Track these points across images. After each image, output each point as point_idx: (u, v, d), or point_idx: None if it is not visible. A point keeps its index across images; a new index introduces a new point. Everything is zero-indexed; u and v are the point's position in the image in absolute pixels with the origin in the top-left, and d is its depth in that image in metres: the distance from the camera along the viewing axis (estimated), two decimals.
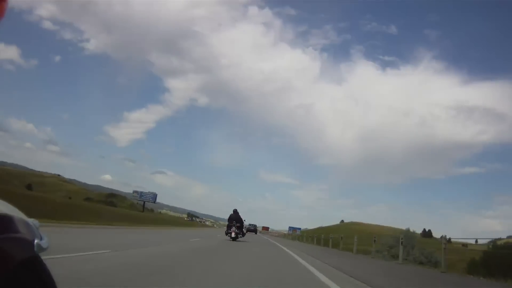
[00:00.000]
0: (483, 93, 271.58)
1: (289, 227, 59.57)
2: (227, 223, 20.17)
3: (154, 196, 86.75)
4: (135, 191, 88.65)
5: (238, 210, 20.37)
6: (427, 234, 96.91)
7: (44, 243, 0.95)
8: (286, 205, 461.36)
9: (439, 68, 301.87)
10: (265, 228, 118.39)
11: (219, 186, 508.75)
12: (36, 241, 0.93)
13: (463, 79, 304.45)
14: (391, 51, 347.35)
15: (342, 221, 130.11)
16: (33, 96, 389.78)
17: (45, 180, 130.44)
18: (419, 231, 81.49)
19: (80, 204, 42.11)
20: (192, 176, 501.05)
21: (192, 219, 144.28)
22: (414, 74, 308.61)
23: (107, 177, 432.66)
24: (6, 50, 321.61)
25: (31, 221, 0.97)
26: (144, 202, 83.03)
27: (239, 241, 19.21)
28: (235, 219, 19.73)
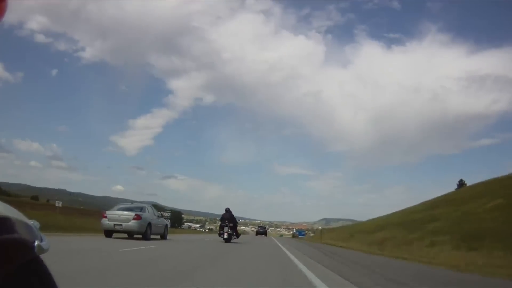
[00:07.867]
0: (493, 61, 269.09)
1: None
2: (220, 223, 19.28)
3: None
4: None
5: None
6: None
7: (44, 245, 0.94)
8: (302, 197, 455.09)
9: (445, 40, 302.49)
10: None
11: (233, 185, 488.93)
12: (36, 242, 0.92)
13: (471, 48, 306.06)
14: (395, 28, 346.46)
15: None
16: (34, 113, 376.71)
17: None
18: None
19: None
20: (205, 177, 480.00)
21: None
22: (420, 49, 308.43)
23: (119, 187, 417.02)
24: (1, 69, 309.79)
25: (32, 222, 0.96)
26: None
27: (233, 242, 18.01)
28: (227, 218, 18.71)
